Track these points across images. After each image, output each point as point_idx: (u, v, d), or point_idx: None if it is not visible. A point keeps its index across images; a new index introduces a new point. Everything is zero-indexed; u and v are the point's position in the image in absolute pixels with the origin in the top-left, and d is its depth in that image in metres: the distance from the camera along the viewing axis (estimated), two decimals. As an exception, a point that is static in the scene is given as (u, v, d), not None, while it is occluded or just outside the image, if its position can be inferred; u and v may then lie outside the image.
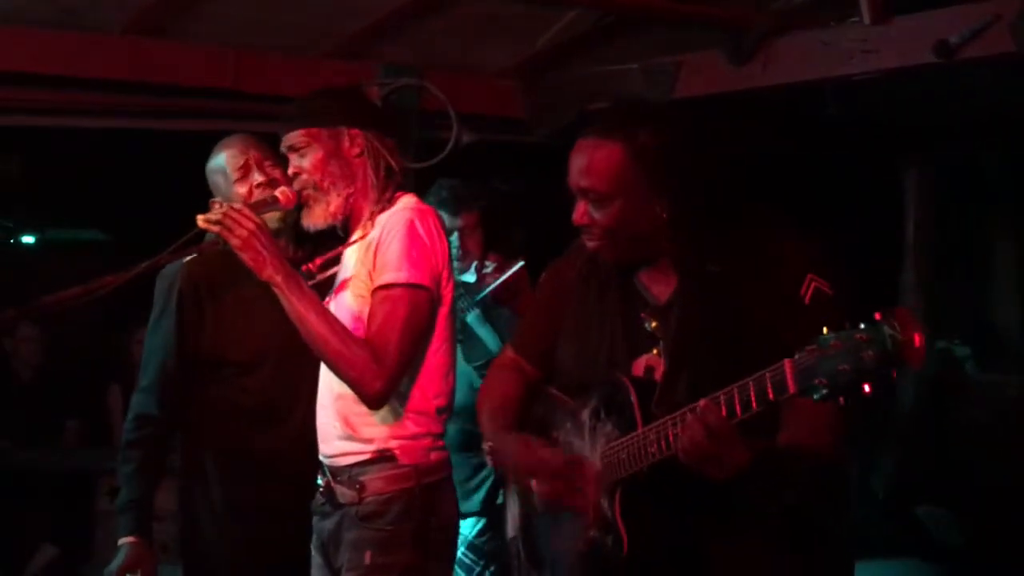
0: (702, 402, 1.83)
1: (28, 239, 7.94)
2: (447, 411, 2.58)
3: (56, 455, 5.20)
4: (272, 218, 2.70)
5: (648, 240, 2.06)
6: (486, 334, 3.66)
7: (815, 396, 1.66)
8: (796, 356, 1.70)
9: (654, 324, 2.09)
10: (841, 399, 1.65)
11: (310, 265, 2.60)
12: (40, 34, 3.54)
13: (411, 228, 2.46)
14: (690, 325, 2.03)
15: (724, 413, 1.80)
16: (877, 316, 1.62)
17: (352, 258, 2.57)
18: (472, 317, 3.66)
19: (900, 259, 5.47)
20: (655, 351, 2.08)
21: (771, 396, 1.74)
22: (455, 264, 3.68)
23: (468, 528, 3.74)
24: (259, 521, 2.72)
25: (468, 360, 3.61)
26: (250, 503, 2.73)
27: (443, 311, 2.54)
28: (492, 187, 4.05)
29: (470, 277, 3.68)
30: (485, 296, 3.64)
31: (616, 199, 2.02)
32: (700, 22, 3.75)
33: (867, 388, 1.62)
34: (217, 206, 2.75)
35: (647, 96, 3.93)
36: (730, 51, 3.79)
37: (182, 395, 2.77)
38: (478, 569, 3.77)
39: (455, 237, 3.65)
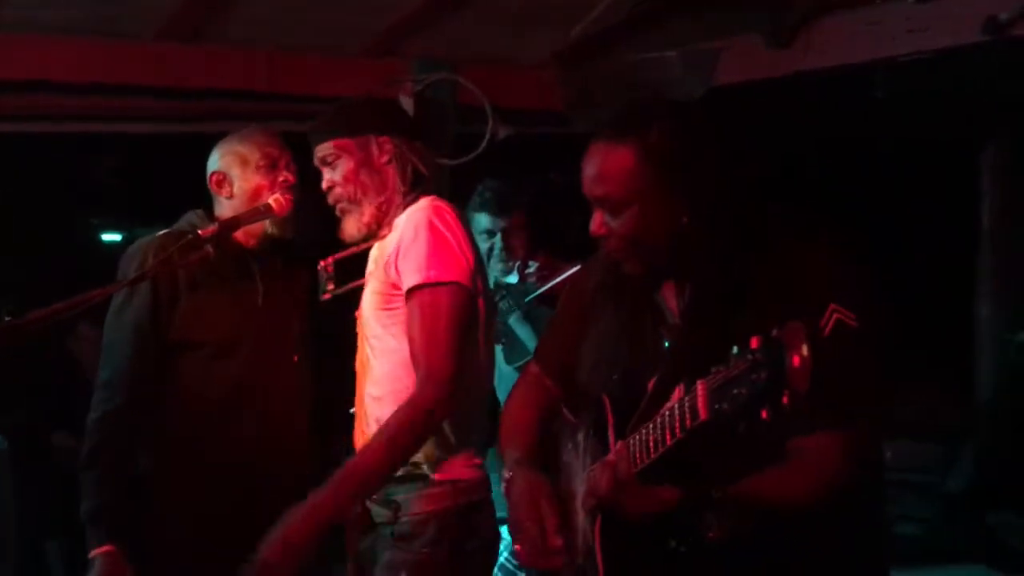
0: (618, 444, 1.71)
1: (113, 237, 8.18)
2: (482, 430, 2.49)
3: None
4: (267, 224, 2.68)
5: (671, 249, 1.90)
6: (526, 334, 3.57)
7: (721, 422, 1.52)
8: (708, 377, 1.56)
9: (678, 341, 1.95)
10: (741, 426, 1.49)
11: (324, 263, 2.56)
12: (74, 42, 3.59)
13: (430, 226, 2.37)
14: (687, 346, 1.88)
15: (637, 461, 1.68)
16: (774, 332, 1.48)
17: (372, 259, 2.53)
18: (514, 318, 3.58)
19: (976, 244, 5.19)
20: None
21: (688, 424, 1.60)
22: (499, 265, 3.62)
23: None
24: (231, 517, 2.57)
25: (508, 361, 3.55)
26: (222, 498, 2.60)
27: (480, 303, 2.43)
28: (548, 181, 3.96)
29: (513, 278, 3.61)
30: (530, 299, 3.56)
31: (631, 205, 1.87)
32: (739, 5, 3.60)
33: (764, 415, 1.47)
34: (197, 218, 2.74)
35: (687, 84, 3.80)
36: (769, 35, 3.63)
37: (152, 380, 2.62)
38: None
39: (498, 238, 3.59)
